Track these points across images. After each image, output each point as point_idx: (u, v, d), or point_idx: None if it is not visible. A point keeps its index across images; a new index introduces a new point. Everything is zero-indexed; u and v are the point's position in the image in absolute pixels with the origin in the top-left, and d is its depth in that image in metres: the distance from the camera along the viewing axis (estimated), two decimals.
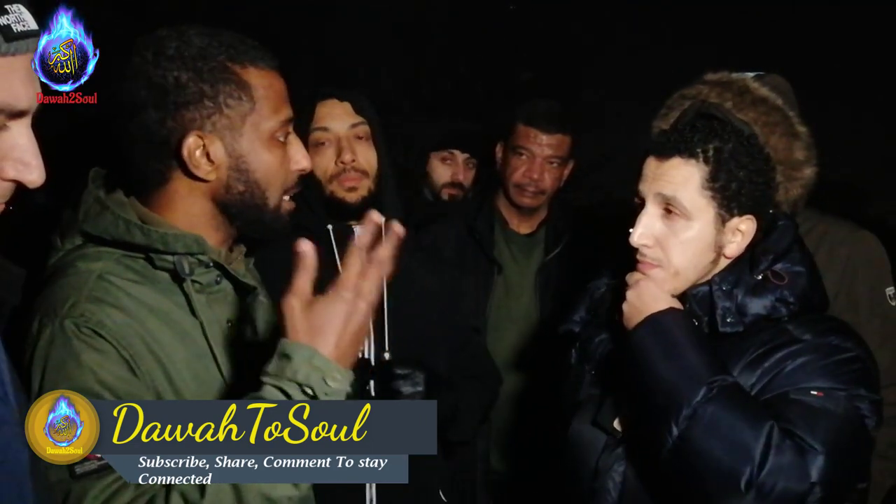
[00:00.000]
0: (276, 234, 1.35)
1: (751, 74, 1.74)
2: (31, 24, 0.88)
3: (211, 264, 1.30)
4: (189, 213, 1.29)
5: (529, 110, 2.59)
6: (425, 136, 3.05)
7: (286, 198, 1.35)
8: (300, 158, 1.34)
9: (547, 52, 4.88)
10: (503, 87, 4.70)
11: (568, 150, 2.61)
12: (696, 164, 1.43)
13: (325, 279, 1.90)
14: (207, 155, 1.25)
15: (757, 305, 1.43)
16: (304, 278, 1.13)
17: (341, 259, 1.93)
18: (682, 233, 1.44)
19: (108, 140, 1.29)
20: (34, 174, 0.90)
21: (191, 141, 1.23)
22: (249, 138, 1.27)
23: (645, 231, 1.46)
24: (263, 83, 1.27)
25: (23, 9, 0.88)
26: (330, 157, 1.94)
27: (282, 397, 1.09)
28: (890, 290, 2.04)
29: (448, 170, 2.96)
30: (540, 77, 4.74)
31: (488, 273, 2.57)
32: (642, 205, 1.48)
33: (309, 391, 1.09)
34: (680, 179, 1.43)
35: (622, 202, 1.61)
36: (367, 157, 1.96)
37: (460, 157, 2.95)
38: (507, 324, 2.56)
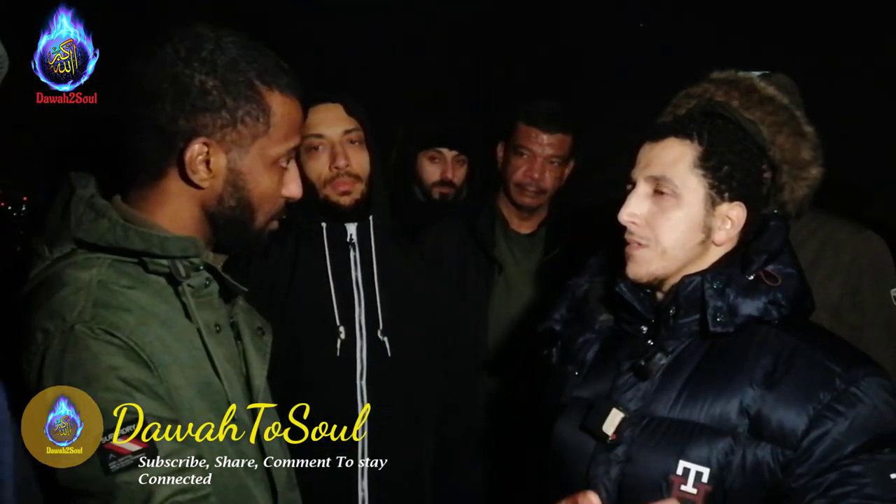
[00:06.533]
0: (250, 252, 1.37)
1: (757, 73, 1.73)
2: None
3: (202, 267, 1.29)
4: (177, 215, 1.28)
5: (530, 110, 2.59)
6: (412, 135, 3.01)
7: (273, 221, 1.36)
8: (293, 187, 1.34)
9: (547, 52, 4.89)
10: (502, 86, 4.70)
11: (569, 149, 2.61)
12: (690, 144, 1.44)
13: (314, 275, 1.94)
14: (207, 163, 1.24)
15: (749, 307, 1.39)
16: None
17: (331, 256, 1.99)
18: (670, 211, 1.43)
19: (111, 121, 1.27)
20: None
21: (196, 147, 1.23)
22: (253, 158, 1.27)
23: (633, 209, 1.45)
24: (283, 110, 1.28)
25: None
26: (324, 162, 1.97)
27: None
28: (894, 292, 2.03)
29: (437, 168, 2.89)
30: (540, 76, 4.74)
31: (489, 272, 2.57)
32: (633, 189, 1.47)
33: None
34: (671, 158, 1.44)
35: (621, 202, 1.60)
36: (360, 161, 1.98)
37: (448, 154, 2.89)
38: (508, 323, 2.56)
